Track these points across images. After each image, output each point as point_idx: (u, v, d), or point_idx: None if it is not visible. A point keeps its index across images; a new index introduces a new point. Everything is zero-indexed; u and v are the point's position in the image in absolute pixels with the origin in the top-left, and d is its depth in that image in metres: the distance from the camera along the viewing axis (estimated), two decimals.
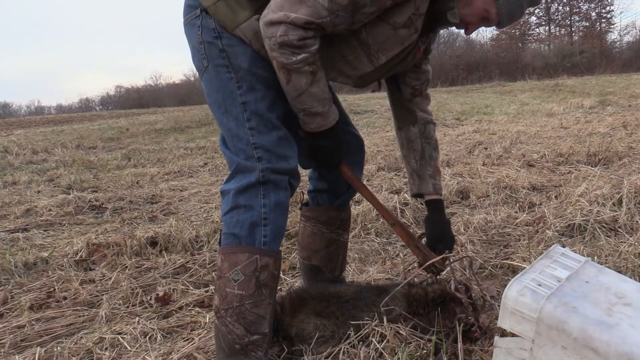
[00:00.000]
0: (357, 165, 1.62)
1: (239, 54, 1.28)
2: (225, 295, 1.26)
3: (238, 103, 1.28)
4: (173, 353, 1.49)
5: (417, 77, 1.57)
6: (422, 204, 2.98)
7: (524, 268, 1.15)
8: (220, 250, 1.30)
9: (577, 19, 36.60)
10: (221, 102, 1.30)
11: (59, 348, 1.59)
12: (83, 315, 1.84)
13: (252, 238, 1.27)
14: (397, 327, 1.36)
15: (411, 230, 2.60)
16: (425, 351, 1.33)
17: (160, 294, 1.94)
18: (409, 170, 1.64)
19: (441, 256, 1.48)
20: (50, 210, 3.54)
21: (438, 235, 1.57)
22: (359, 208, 2.86)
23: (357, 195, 3.33)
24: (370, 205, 2.89)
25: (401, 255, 2.21)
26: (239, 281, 1.25)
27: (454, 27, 1.37)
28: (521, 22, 36.67)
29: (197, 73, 1.42)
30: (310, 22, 1.17)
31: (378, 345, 1.34)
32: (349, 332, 1.38)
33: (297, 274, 2.06)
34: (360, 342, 1.37)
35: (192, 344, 1.53)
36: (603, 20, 35.58)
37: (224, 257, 1.28)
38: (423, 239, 1.60)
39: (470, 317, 1.38)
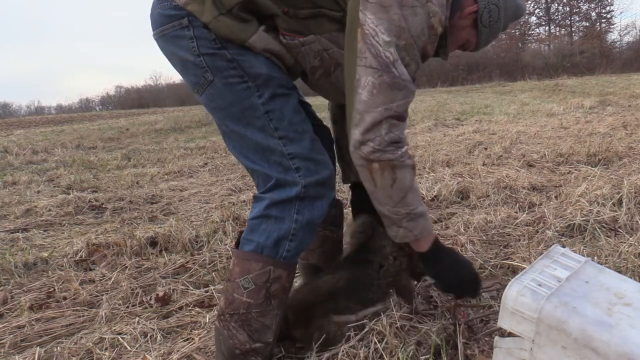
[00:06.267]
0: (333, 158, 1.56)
1: (253, 61, 1.18)
2: (232, 300, 1.23)
3: (261, 113, 1.19)
4: (173, 353, 1.49)
5: None
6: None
7: (524, 268, 1.15)
8: (236, 253, 1.26)
9: (577, 19, 36.67)
10: (240, 115, 1.20)
11: (59, 348, 1.59)
12: (83, 315, 1.84)
13: (275, 250, 1.22)
14: (403, 324, 1.37)
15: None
16: (425, 349, 1.33)
17: (160, 294, 1.94)
18: None
19: None
20: (50, 210, 3.54)
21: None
22: None
23: None
24: None
25: None
26: (248, 289, 1.21)
27: None
28: (521, 22, 36.70)
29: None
30: (407, 107, 1.15)
31: (378, 345, 1.34)
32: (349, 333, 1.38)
33: (297, 274, 2.06)
34: (360, 342, 1.37)
35: (192, 344, 1.53)
36: (603, 20, 35.62)
37: (238, 261, 1.24)
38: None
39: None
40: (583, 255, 1.33)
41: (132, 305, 1.91)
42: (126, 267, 2.30)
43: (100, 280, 2.18)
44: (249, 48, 1.19)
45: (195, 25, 1.16)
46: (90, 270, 2.35)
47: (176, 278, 2.16)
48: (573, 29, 36.72)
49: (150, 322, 1.72)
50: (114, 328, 1.70)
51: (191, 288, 2.03)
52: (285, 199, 1.21)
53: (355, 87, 1.14)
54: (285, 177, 1.20)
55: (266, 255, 1.21)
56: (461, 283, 1.37)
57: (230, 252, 2.36)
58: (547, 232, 2.31)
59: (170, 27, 1.18)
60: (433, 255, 1.33)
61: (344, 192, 3.27)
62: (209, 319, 1.70)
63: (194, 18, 1.16)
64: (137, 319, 1.75)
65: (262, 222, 1.22)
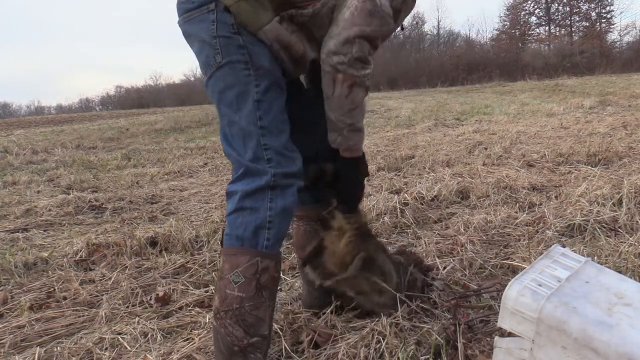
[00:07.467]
0: None
1: (260, 53, 1.27)
2: (225, 297, 1.26)
3: (252, 100, 1.26)
4: (173, 353, 1.49)
5: None
6: (423, 204, 2.99)
7: (524, 268, 1.15)
8: (223, 250, 1.30)
9: (577, 19, 36.67)
10: (234, 99, 1.28)
11: (59, 348, 1.59)
12: (83, 315, 1.84)
13: (255, 241, 1.26)
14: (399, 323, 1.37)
15: (411, 231, 2.60)
16: (425, 349, 1.33)
17: (160, 294, 1.94)
18: None
19: None
20: (50, 210, 3.54)
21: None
22: None
23: None
24: (370, 205, 2.90)
25: None
26: (239, 283, 1.25)
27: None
28: (521, 22, 36.73)
29: (199, 71, 1.44)
30: (380, 35, 1.29)
31: (378, 345, 1.34)
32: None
33: (297, 274, 2.06)
34: (360, 342, 1.37)
35: (192, 344, 1.53)
36: (603, 20, 35.63)
37: (226, 258, 1.28)
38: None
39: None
40: (583, 255, 1.33)
41: (132, 305, 1.91)
42: (126, 267, 2.30)
43: (100, 280, 2.18)
44: (261, 41, 1.27)
45: (219, 10, 1.26)
46: (90, 270, 2.35)
47: (176, 278, 2.16)
48: (573, 29, 36.75)
49: (150, 322, 1.72)
50: (114, 328, 1.70)
51: (191, 288, 2.03)
52: (256, 189, 1.27)
53: (342, 5, 1.28)
54: (256, 166, 1.27)
55: (247, 247, 1.26)
56: (355, 190, 1.54)
57: None
58: (547, 232, 2.31)
59: (198, 11, 1.29)
60: (352, 164, 1.45)
61: None
62: (209, 318, 1.70)
63: (223, 6, 1.26)
64: (137, 319, 1.75)
65: (239, 215, 1.28)
